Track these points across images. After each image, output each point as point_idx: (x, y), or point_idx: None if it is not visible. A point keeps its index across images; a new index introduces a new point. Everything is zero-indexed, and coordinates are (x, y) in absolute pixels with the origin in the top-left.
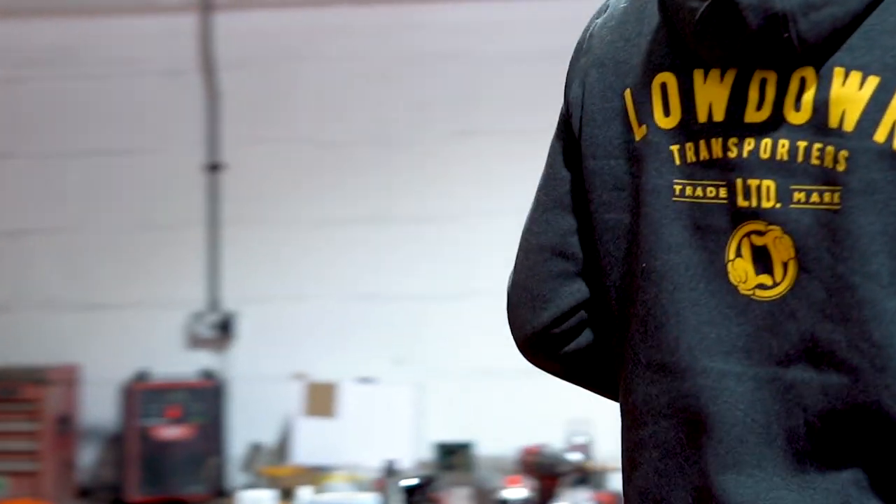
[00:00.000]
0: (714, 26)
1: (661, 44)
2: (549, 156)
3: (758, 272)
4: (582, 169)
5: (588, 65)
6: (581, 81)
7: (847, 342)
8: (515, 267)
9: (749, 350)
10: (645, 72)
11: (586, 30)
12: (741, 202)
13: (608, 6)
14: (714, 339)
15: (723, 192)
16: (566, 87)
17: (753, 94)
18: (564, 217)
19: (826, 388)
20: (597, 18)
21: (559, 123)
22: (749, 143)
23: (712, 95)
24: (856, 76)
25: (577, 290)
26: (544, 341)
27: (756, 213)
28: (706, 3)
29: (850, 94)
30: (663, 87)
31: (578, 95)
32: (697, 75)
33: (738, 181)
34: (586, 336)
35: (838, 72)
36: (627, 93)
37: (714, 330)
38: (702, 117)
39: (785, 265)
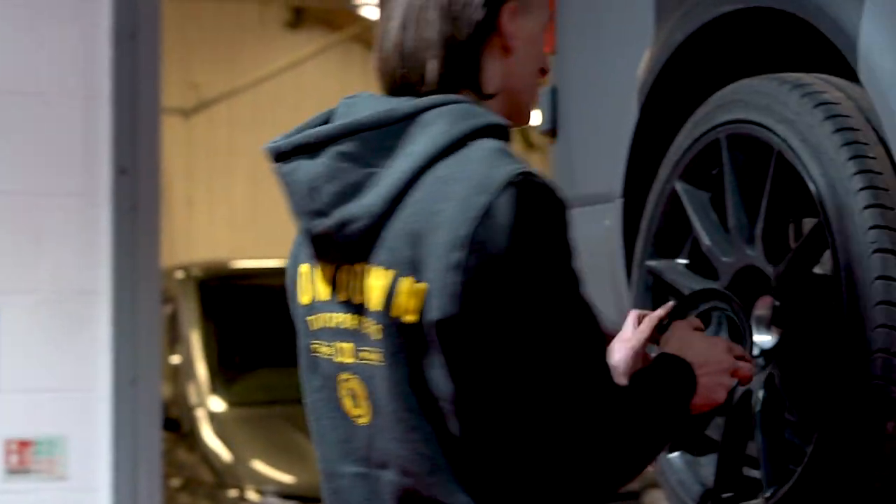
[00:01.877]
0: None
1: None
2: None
3: (354, 406)
4: None
5: None
6: None
7: (407, 455)
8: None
9: (361, 458)
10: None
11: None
12: (336, 358)
13: None
14: (343, 451)
15: (329, 351)
16: None
17: (339, 281)
18: None
19: (401, 486)
20: None
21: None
22: (339, 317)
23: (322, 281)
24: (380, 271)
25: None
26: None
27: (345, 367)
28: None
29: (377, 283)
30: (305, 273)
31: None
32: (316, 267)
33: (335, 343)
34: None
35: (373, 269)
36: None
37: (343, 445)
38: (319, 296)
39: (365, 402)
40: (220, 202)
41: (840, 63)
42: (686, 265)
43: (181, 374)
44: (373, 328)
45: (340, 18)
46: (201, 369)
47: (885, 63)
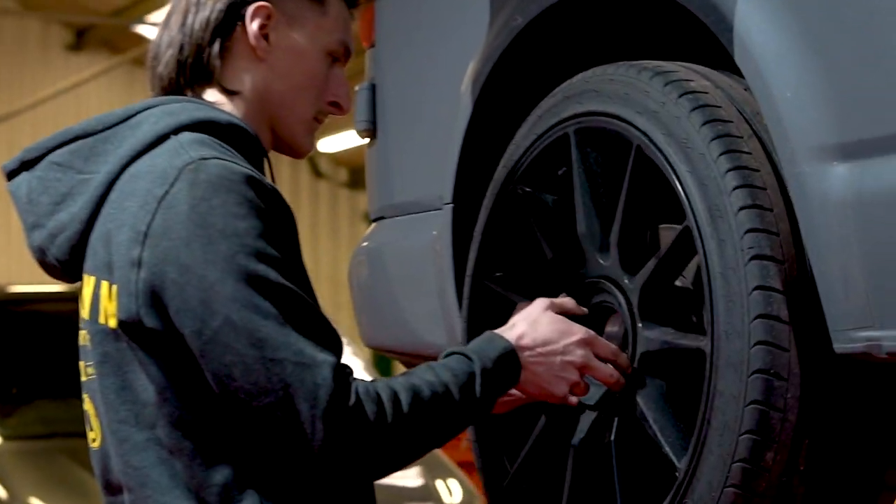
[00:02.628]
0: None
1: None
2: None
3: (89, 429)
4: None
5: None
6: None
7: (123, 470)
8: None
9: (105, 487)
10: None
11: None
12: (83, 379)
13: None
14: (98, 476)
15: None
16: None
17: (82, 296)
18: None
19: None
20: None
21: None
22: (82, 333)
23: (80, 296)
24: (88, 278)
25: None
26: None
27: (83, 385)
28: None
29: (87, 291)
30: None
31: None
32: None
33: (81, 363)
34: None
35: (85, 277)
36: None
37: (97, 470)
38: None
39: (96, 422)
40: None
41: (705, 53)
42: (528, 277)
43: None
44: (87, 340)
45: (124, 41)
46: None
47: (763, 43)
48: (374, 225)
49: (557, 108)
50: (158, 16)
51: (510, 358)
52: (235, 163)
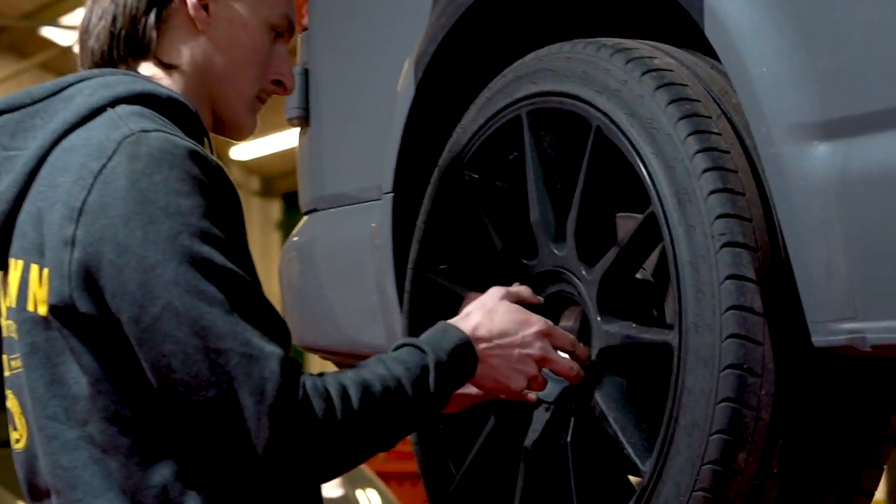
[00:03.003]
0: None
1: None
2: None
3: (13, 428)
4: None
5: None
6: None
7: (51, 472)
8: None
9: (29, 492)
10: None
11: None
12: (6, 374)
13: None
14: (23, 480)
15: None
16: None
17: (6, 283)
18: None
19: None
20: None
21: None
22: (6, 323)
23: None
24: (15, 262)
25: None
26: None
27: (6, 381)
28: None
29: (14, 276)
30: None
31: None
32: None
33: (3, 356)
34: None
35: (11, 262)
36: None
37: (21, 474)
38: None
39: (21, 420)
40: None
41: (668, 31)
42: (475, 269)
43: None
44: (13, 330)
45: (32, 45)
46: None
47: (736, 14)
48: (305, 218)
49: (509, 89)
50: (70, 19)
51: (466, 350)
52: (179, 136)
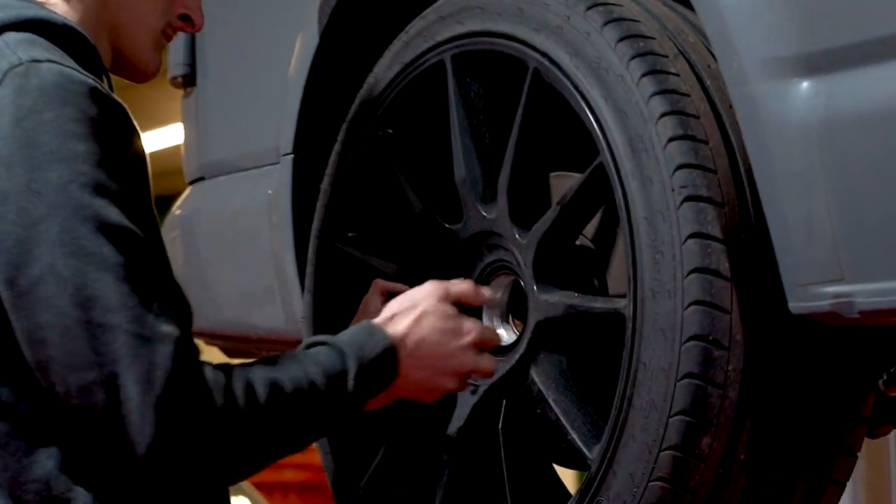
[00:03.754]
0: None
1: None
2: None
3: None
4: None
5: None
6: None
7: None
8: None
9: None
10: None
11: None
12: None
13: None
14: None
15: None
16: None
17: None
18: None
19: None
20: None
21: None
22: None
23: None
24: None
25: None
26: None
27: None
28: None
29: None
30: None
31: None
32: None
33: None
34: None
35: None
36: None
37: None
38: None
39: None
40: None
41: None
42: (391, 236)
43: None
44: None
45: None
46: None
47: None
48: (189, 189)
49: (430, 31)
50: None
51: (388, 358)
52: (76, 69)
